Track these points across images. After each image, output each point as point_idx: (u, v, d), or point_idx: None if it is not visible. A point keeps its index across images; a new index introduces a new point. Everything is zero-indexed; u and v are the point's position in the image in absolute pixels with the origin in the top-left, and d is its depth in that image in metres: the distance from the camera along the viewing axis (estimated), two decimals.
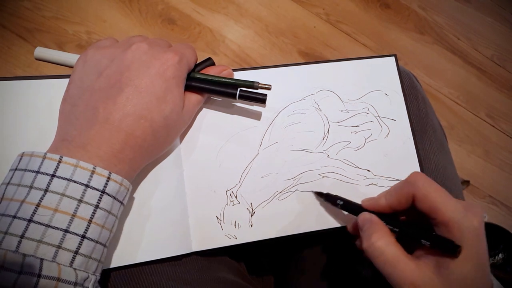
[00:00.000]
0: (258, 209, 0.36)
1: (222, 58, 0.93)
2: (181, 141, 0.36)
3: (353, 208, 0.33)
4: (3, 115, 0.34)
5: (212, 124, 0.37)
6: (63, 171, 0.26)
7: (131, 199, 0.33)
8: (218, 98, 0.38)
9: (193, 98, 0.35)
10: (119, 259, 0.32)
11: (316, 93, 0.39)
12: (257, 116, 0.38)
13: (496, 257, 0.88)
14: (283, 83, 0.39)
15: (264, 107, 0.37)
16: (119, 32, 0.88)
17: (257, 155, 0.37)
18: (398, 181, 0.38)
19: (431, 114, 0.45)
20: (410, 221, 0.31)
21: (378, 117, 0.39)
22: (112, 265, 0.32)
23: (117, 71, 0.30)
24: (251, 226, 0.35)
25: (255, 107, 0.38)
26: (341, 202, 0.34)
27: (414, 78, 0.47)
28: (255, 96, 0.35)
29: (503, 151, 1.04)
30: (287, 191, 0.36)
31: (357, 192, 0.37)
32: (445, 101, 1.05)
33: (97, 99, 0.29)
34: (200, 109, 0.37)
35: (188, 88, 0.34)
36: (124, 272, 0.33)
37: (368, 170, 0.38)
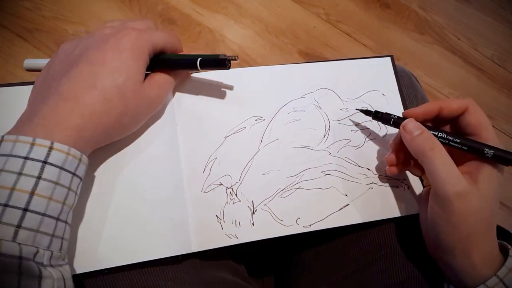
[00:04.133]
0: (259, 207, 0.35)
1: None
2: (179, 138, 0.36)
3: (401, 121, 0.35)
4: (1, 122, 0.34)
5: (212, 121, 0.37)
6: (3, 148, 0.26)
7: (130, 198, 0.33)
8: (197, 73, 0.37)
9: (158, 76, 0.34)
10: (118, 259, 0.32)
11: (316, 91, 0.39)
12: (257, 112, 0.38)
13: None
14: (282, 81, 0.39)
15: (227, 69, 0.35)
16: None
17: (257, 151, 0.37)
18: (396, 181, 0.38)
19: None
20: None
21: None
22: (112, 265, 0.31)
23: (78, 53, 0.31)
24: (253, 225, 0.35)
25: (256, 103, 0.37)
26: (395, 117, 0.36)
27: (414, 78, 0.47)
28: (215, 62, 0.34)
29: None
30: (289, 189, 0.36)
31: (359, 191, 0.37)
32: None
33: (54, 78, 0.30)
34: (200, 106, 0.37)
35: (153, 68, 0.34)
36: (122, 273, 0.32)
37: (369, 169, 0.38)
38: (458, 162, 0.33)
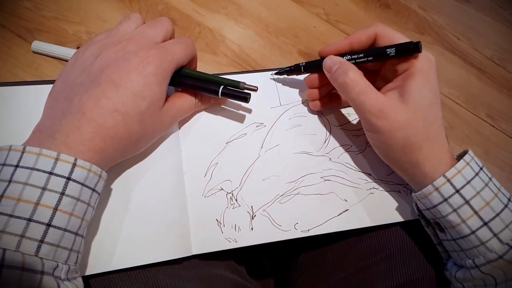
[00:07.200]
0: (259, 212, 0.36)
1: (222, 58, 0.92)
2: (182, 144, 0.36)
3: (315, 64, 0.36)
4: (2, 121, 0.34)
5: (213, 126, 0.37)
6: (26, 160, 0.26)
7: (132, 201, 0.33)
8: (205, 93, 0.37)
9: (179, 102, 0.34)
10: (119, 262, 0.32)
11: None
12: (258, 118, 0.38)
13: None
14: (284, 86, 0.39)
15: (247, 103, 0.36)
16: None
17: (258, 157, 0.37)
18: (399, 186, 0.38)
19: None
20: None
21: None
22: (112, 268, 0.32)
23: (99, 68, 0.31)
24: (252, 229, 0.35)
25: (257, 109, 0.38)
26: (303, 63, 0.37)
27: None
28: (237, 94, 0.34)
29: (503, 151, 1.04)
30: (288, 194, 0.36)
31: (360, 196, 0.37)
32: (445, 101, 1.05)
33: (75, 92, 0.30)
34: (202, 112, 0.37)
35: (172, 83, 0.34)
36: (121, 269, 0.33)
37: (370, 174, 0.38)
38: (389, 81, 0.35)
